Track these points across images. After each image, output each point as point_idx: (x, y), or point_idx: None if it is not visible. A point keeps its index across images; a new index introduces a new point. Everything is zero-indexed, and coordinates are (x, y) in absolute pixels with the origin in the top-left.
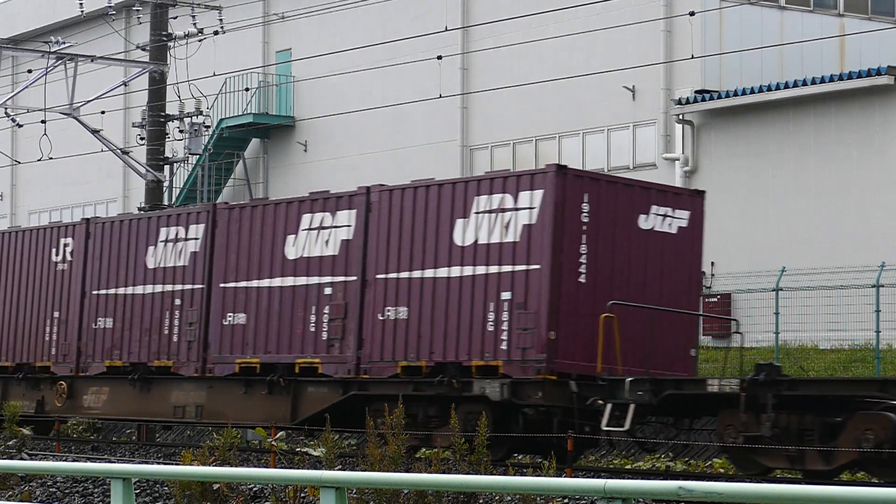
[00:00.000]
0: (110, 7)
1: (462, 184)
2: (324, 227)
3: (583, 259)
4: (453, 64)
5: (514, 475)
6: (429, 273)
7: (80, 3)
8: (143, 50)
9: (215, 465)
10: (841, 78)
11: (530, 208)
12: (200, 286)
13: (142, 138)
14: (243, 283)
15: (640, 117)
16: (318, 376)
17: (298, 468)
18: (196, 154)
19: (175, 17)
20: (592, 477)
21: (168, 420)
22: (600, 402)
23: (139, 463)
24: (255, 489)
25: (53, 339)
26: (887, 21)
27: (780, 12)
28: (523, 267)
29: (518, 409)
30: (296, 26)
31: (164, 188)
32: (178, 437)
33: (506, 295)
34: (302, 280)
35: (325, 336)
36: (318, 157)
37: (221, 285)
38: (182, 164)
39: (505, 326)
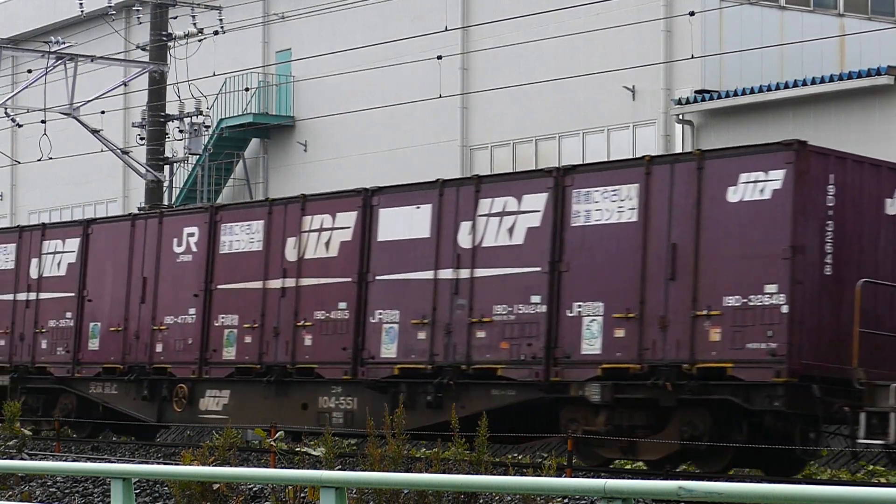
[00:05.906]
0: (110, 7)
1: None
2: None
3: None
4: (453, 64)
5: (514, 475)
6: None
7: (80, 3)
8: (143, 50)
9: (215, 465)
10: (841, 78)
11: None
12: None
13: (142, 138)
14: None
15: (640, 117)
16: None
17: (298, 468)
18: (196, 154)
19: (175, 17)
20: (592, 477)
21: None
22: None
23: (139, 463)
24: (255, 489)
25: None
26: (887, 21)
27: (780, 12)
28: None
29: None
30: (296, 26)
31: (164, 188)
32: (178, 436)
33: None
34: None
35: None
36: (318, 157)
37: None
38: (182, 164)
39: None
